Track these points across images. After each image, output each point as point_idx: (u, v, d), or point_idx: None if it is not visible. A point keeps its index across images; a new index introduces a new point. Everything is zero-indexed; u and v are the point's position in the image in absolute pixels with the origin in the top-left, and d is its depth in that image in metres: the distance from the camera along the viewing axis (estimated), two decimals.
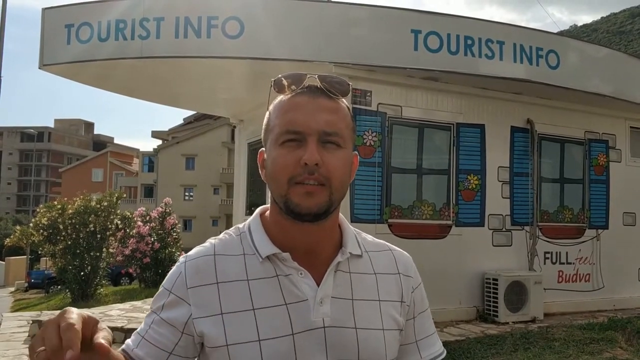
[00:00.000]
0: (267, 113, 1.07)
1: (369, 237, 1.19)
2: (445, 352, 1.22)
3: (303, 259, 1.05)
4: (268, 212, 1.10)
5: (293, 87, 1.04)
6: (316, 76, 1.05)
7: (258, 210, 1.15)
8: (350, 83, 1.08)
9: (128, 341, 1.08)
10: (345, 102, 1.08)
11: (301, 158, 0.98)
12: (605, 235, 8.61)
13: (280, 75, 1.06)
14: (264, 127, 1.08)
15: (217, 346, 1.00)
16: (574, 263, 8.32)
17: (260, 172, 1.09)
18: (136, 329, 1.11)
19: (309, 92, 1.04)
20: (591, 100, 8.10)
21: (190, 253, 1.10)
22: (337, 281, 1.06)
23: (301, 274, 1.04)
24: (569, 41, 9.05)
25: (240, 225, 1.14)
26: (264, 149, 1.08)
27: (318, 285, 1.04)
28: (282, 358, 0.99)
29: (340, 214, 1.12)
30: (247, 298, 1.02)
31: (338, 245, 1.10)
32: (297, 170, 0.98)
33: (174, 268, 1.09)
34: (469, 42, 7.05)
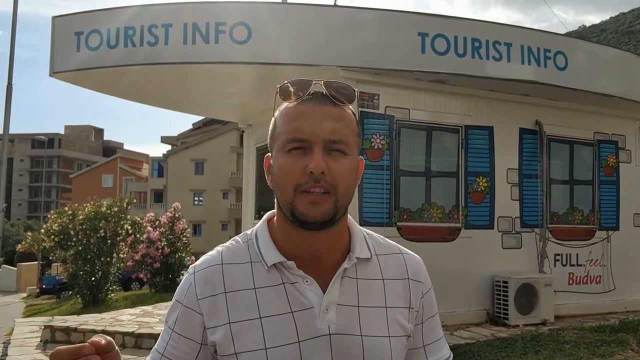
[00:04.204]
0: (273, 119, 1.07)
1: (381, 239, 1.17)
2: (452, 355, 1.22)
3: (309, 265, 1.05)
4: (275, 217, 1.11)
5: (299, 93, 1.04)
6: (322, 82, 1.05)
7: (265, 216, 1.15)
8: (356, 89, 1.08)
9: None
10: (351, 108, 1.08)
11: (307, 166, 0.98)
12: (615, 237, 8.55)
13: (285, 82, 1.06)
14: (269, 133, 1.08)
15: (226, 354, 1.02)
16: (584, 265, 8.27)
17: (266, 177, 1.10)
18: (148, 334, 1.14)
19: (314, 99, 1.03)
20: (600, 101, 8.06)
21: (198, 263, 1.11)
22: (343, 288, 1.06)
23: (307, 281, 1.05)
24: (577, 42, 9.02)
25: (248, 232, 1.14)
26: (269, 154, 1.08)
27: (324, 292, 1.04)
28: None
29: (349, 217, 1.12)
30: (254, 306, 1.03)
31: (346, 251, 1.09)
32: (303, 178, 0.99)
33: (183, 279, 1.10)
34: (476, 44, 7.04)
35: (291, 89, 1.05)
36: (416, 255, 1.19)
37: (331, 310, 1.03)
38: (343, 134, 1.02)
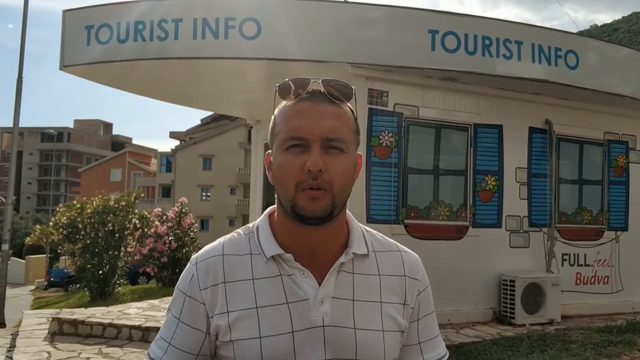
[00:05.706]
0: (273, 117, 1.10)
1: (380, 236, 1.20)
2: (448, 354, 1.23)
3: (307, 259, 1.08)
4: (276, 212, 1.13)
5: (297, 92, 1.06)
6: (320, 81, 1.07)
7: (267, 210, 1.18)
8: (353, 87, 1.10)
9: (154, 349, 1.12)
10: (349, 105, 1.10)
11: (305, 164, 1.01)
12: (624, 237, 8.50)
13: (284, 81, 1.08)
14: (269, 130, 1.11)
15: (224, 341, 1.06)
16: (592, 265, 8.23)
17: (267, 173, 1.12)
18: (154, 327, 1.15)
19: (312, 97, 1.05)
20: (611, 100, 8.00)
21: (199, 253, 1.14)
22: (339, 282, 1.09)
23: (304, 274, 1.07)
24: (588, 41, 8.96)
25: (250, 225, 1.17)
26: (270, 151, 1.11)
27: (320, 285, 1.07)
28: (281, 355, 1.03)
29: (348, 213, 1.14)
30: (251, 297, 1.06)
31: (344, 246, 1.12)
32: (302, 176, 1.01)
33: (186, 269, 1.13)
34: (487, 42, 7.01)
35: (289, 87, 1.07)
36: (414, 254, 1.21)
37: (326, 302, 1.06)
38: (341, 132, 1.05)
